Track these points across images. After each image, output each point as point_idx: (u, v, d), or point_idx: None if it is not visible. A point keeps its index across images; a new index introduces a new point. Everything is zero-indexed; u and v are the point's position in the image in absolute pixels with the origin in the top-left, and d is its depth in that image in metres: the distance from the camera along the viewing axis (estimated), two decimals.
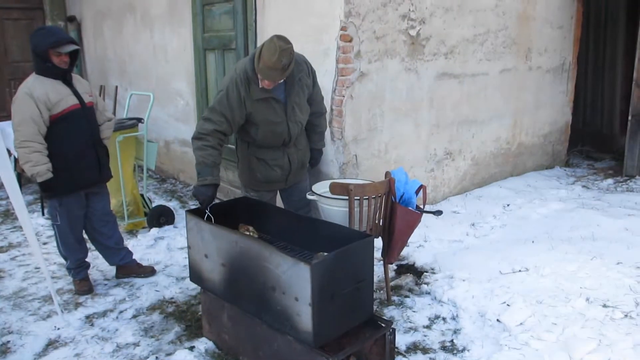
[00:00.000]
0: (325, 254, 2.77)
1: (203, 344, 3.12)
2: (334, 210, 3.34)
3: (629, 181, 5.82)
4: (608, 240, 3.98)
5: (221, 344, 3.08)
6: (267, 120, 3.37)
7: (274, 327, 2.66)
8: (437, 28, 4.72)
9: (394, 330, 2.72)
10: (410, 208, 3.33)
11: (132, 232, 4.98)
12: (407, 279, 3.76)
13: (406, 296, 3.58)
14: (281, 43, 3.05)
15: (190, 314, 3.50)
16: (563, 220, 4.52)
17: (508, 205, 5.02)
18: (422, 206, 3.37)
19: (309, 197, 3.47)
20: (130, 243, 4.59)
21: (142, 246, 4.62)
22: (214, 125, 3.26)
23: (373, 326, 2.70)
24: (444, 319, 3.29)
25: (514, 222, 4.62)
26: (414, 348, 3.03)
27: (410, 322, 3.28)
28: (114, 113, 7.21)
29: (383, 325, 2.69)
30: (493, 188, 5.51)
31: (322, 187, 3.51)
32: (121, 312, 3.57)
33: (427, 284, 3.66)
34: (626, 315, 2.99)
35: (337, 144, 4.32)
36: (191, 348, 3.08)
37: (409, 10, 4.46)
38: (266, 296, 2.62)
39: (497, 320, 3.11)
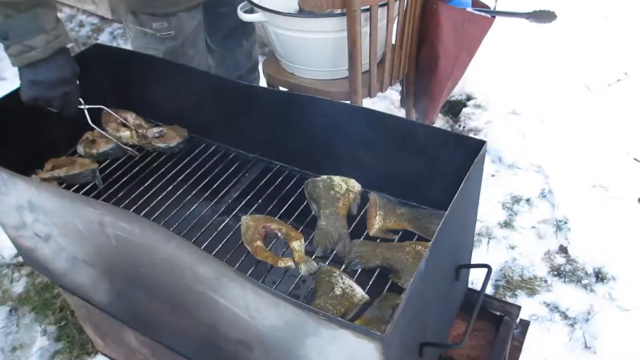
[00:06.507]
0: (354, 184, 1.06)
1: None
2: (309, 39, 1.51)
3: None
4: None
5: None
6: None
7: None
8: None
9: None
10: (468, 9, 1.55)
11: None
12: None
13: None
14: None
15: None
16: None
17: None
18: (493, 2, 1.57)
19: (244, 17, 1.58)
20: None
21: None
22: None
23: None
24: None
25: None
26: None
27: None
28: None
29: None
30: None
31: None
32: None
33: None
34: None
35: None
36: None
37: None
38: (231, 352, 0.95)
39: None
